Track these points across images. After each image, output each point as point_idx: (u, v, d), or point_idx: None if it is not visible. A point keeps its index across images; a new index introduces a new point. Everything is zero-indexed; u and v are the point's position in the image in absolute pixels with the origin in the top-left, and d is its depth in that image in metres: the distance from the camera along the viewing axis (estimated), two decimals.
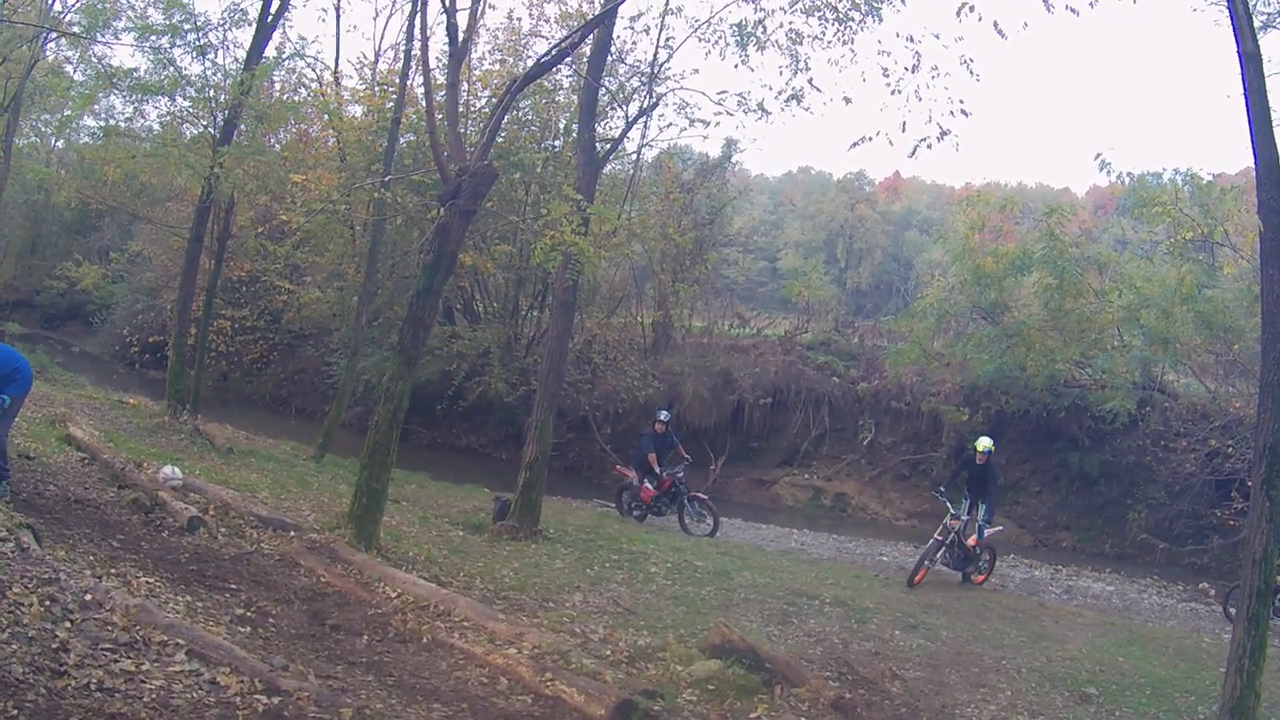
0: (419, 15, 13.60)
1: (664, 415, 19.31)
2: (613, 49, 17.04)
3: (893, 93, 12.69)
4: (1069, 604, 15.99)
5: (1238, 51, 8.56)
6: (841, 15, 13.54)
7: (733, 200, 32.60)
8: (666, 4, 17.02)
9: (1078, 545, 23.16)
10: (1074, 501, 23.92)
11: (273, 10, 19.25)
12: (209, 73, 18.88)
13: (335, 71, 27.04)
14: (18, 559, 6.93)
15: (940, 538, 15.56)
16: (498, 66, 26.15)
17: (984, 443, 16.06)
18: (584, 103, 16.74)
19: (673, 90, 18.54)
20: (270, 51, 20.66)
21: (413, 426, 25.04)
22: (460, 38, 12.30)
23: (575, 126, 21.47)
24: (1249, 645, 8.04)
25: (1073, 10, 10.42)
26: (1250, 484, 8.56)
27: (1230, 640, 8.48)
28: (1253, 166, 8.63)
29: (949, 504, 15.77)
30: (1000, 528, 15.84)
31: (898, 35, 13.72)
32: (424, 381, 24.15)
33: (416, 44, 16.53)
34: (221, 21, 19.02)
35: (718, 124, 43.42)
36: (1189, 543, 21.69)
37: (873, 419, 26.55)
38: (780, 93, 15.05)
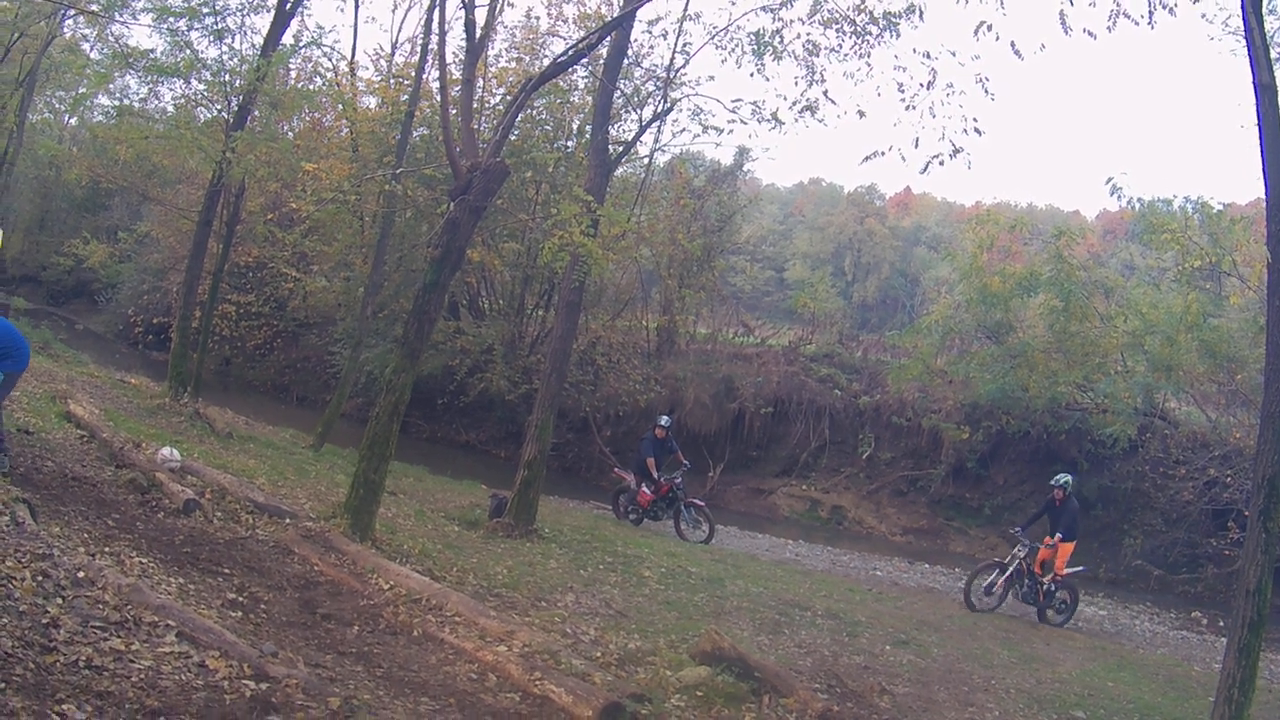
0: (437, 10, 13.58)
1: (664, 420, 19.28)
2: (629, 52, 17.06)
3: (907, 108, 12.76)
4: (1061, 626, 15.97)
5: (1253, 82, 8.56)
6: (859, 29, 13.55)
7: (742, 209, 32.63)
8: (685, 9, 17.11)
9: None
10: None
11: None
12: (225, 57, 18.92)
13: (351, 62, 27.08)
14: (12, 533, 6.94)
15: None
16: (514, 65, 26.27)
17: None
18: (598, 104, 16.74)
19: (687, 96, 18.50)
20: (287, 39, 20.72)
21: (413, 420, 25.13)
22: (478, 34, 12.32)
23: (589, 128, 21.55)
24: (1239, 676, 8.03)
25: (1090, 33, 10.45)
26: (1247, 514, 8.55)
27: (1220, 670, 8.47)
28: (1263, 197, 8.64)
29: None
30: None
31: (914, 51, 13.80)
32: (426, 375, 24.20)
33: (434, 38, 16.53)
34: (240, 7, 19.10)
35: (731, 132, 42.97)
36: (1183, 571, 21.65)
37: (873, 433, 26.53)
38: (795, 103, 15.07)
